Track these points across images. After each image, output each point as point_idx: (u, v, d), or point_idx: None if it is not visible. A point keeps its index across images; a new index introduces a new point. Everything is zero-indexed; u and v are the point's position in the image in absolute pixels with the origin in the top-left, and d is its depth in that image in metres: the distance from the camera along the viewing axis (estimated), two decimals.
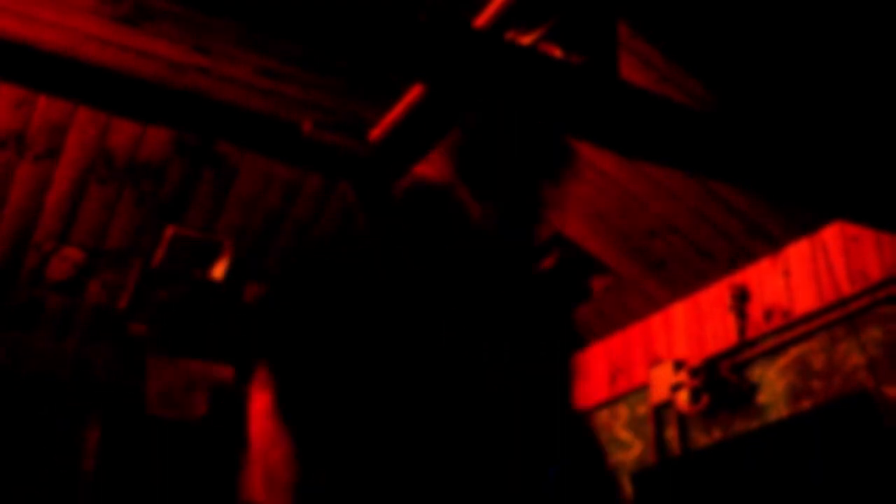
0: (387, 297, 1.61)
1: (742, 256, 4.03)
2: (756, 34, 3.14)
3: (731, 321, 4.03)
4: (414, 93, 3.70)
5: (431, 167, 1.86)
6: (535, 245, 1.86)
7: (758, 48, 3.18)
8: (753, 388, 3.88)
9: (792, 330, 3.79)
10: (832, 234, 3.75)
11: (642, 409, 4.34)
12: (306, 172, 4.24)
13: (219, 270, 4.38)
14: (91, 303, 4.53)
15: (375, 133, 3.93)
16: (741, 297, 4.02)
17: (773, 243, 3.94)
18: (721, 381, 3.95)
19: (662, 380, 4.17)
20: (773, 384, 3.82)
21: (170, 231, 4.26)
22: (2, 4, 3.32)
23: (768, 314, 3.90)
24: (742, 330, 3.97)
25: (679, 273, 4.21)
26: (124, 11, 3.37)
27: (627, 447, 4.37)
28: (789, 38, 3.11)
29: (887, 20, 2.96)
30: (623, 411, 4.46)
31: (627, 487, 4.28)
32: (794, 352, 3.78)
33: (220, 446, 4.75)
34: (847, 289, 3.62)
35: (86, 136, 3.91)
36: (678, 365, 4.11)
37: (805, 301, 3.78)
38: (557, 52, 3.00)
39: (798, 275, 3.84)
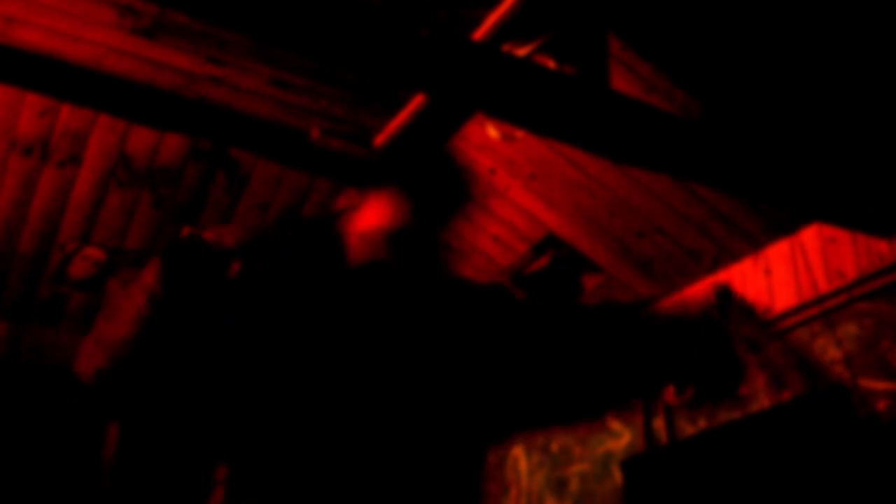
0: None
1: (725, 256, 4.03)
2: (739, 48, 3.14)
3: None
4: (416, 102, 3.70)
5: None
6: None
7: (740, 61, 3.19)
8: (736, 381, 3.88)
9: (772, 326, 3.78)
10: (810, 236, 3.75)
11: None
12: (314, 177, 4.24)
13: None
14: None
15: (380, 140, 3.93)
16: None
17: (755, 244, 3.94)
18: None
19: None
20: (754, 377, 3.82)
21: (186, 232, 4.26)
22: (27, 19, 3.33)
23: None
24: None
25: (666, 272, 4.21)
26: (143, 25, 3.38)
27: (618, 436, 4.37)
28: (770, 49, 3.11)
29: (860, 32, 2.97)
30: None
31: (618, 474, 4.28)
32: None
33: None
34: (824, 287, 3.62)
35: (106, 143, 3.92)
36: None
37: (785, 298, 3.78)
38: (551, 64, 3.00)
39: (778, 273, 3.85)
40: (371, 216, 1.85)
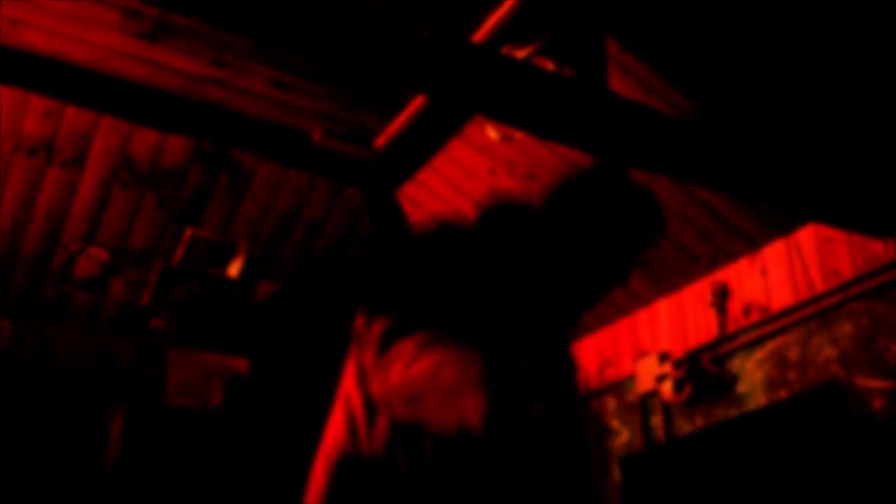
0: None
1: (722, 256, 4.04)
2: (736, 50, 3.15)
3: (712, 316, 4.03)
4: (416, 104, 3.71)
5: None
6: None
7: (738, 63, 3.19)
8: (733, 379, 3.88)
9: (769, 325, 3.79)
10: (806, 236, 3.75)
11: (630, 399, 4.35)
12: (316, 178, 4.24)
13: (234, 269, 4.38)
14: (115, 299, 4.54)
15: (380, 141, 3.93)
16: (721, 294, 4.02)
17: (752, 244, 3.94)
18: (703, 372, 3.95)
19: (648, 371, 4.17)
20: (751, 375, 3.82)
21: (188, 232, 4.26)
22: (32, 21, 3.33)
23: (747, 310, 3.91)
24: (722, 324, 3.97)
25: (663, 271, 4.21)
26: (146, 28, 3.38)
27: (615, 434, 4.38)
28: (767, 51, 3.11)
29: (856, 35, 2.97)
30: (611, 401, 4.46)
31: (616, 472, 4.28)
32: (771, 345, 3.78)
33: (235, 434, 4.75)
34: (820, 286, 3.63)
35: (110, 144, 3.92)
36: (663, 357, 4.11)
37: (781, 298, 3.78)
38: (550, 66, 3.00)
39: (775, 273, 3.85)
40: None
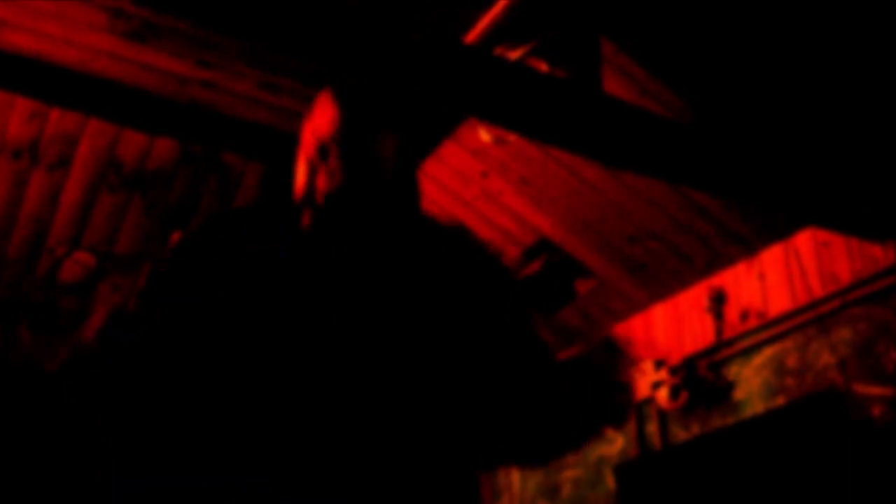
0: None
1: (719, 260, 4.01)
2: (732, 52, 3.12)
3: (708, 322, 4.00)
4: None
5: None
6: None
7: (734, 64, 3.16)
8: (730, 386, 3.85)
9: (766, 330, 3.76)
10: (804, 240, 3.72)
11: None
12: None
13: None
14: (102, 304, 4.50)
15: None
16: (718, 299, 3.99)
17: (749, 248, 3.91)
18: (699, 378, 3.92)
19: (643, 378, 4.14)
20: (748, 382, 3.79)
21: (176, 236, 4.22)
22: (18, 22, 3.29)
23: (744, 315, 3.88)
24: (719, 330, 3.94)
25: (659, 276, 4.18)
26: (133, 28, 3.34)
27: (611, 441, 4.33)
28: (764, 52, 3.09)
29: (853, 37, 2.95)
30: None
31: (611, 480, 4.24)
32: (768, 351, 3.75)
33: None
34: (818, 291, 3.59)
35: (96, 147, 3.88)
36: (658, 364, 4.08)
37: (779, 303, 3.75)
38: (544, 67, 2.97)
39: (772, 278, 3.82)
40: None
